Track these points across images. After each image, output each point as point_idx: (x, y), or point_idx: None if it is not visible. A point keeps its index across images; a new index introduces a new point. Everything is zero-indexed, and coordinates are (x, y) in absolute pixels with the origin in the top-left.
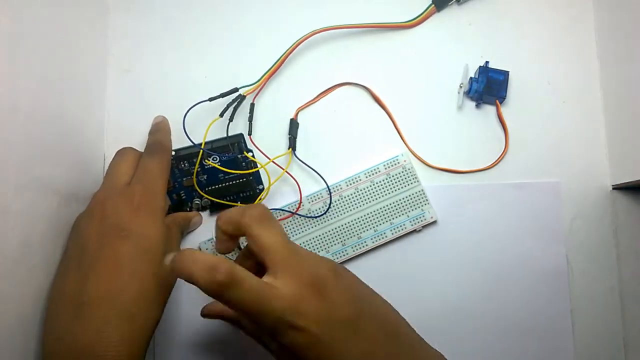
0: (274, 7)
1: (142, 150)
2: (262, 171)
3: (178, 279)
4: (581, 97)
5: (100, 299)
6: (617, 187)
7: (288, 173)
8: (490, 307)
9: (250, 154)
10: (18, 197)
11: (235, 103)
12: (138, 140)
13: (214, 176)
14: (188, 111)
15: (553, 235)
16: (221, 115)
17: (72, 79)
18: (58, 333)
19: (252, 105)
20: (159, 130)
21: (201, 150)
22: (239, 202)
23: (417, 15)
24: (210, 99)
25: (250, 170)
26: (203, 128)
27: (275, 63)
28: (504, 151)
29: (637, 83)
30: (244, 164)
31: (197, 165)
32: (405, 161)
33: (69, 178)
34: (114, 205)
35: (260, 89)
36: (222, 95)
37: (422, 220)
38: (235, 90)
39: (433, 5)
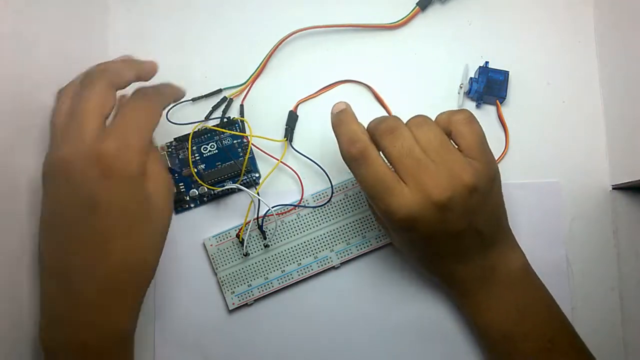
0: (275, 5)
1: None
2: (257, 158)
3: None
4: (581, 97)
5: (80, 272)
6: (617, 187)
7: (283, 163)
8: None
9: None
10: (18, 197)
11: (223, 105)
12: None
13: (211, 164)
14: (169, 111)
15: (553, 235)
16: (206, 118)
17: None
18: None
19: (242, 107)
20: (165, 83)
21: (191, 132)
22: (236, 185)
23: (403, 17)
24: (193, 99)
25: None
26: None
27: (260, 65)
28: (504, 151)
29: (637, 83)
30: (239, 149)
31: (190, 146)
32: None
33: None
34: (82, 172)
35: (248, 91)
36: (206, 96)
37: None
38: (220, 91)
39: (417, 7)
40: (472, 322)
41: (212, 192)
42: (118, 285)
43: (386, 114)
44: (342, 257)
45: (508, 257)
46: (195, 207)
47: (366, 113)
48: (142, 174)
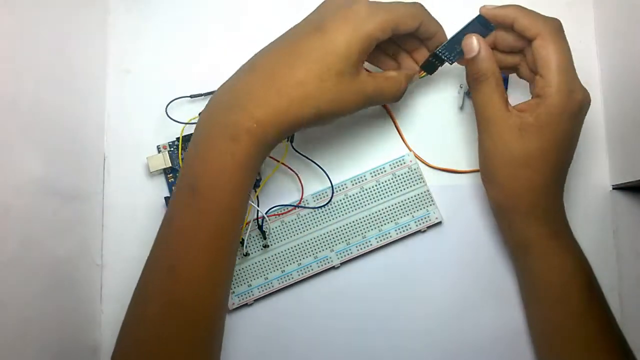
0: (277, 6)
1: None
2: None
3: None
4: None
5: (283, 77)
6: (617, 187)
7: (284, 164)
8: (491, 307)
9: None
10: (18, 197)
11: None
12: (139, 140)
13: None
14: (168, 104)
15: None
16: (200, 114)
17: (72, 78)
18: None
19: None
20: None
21: (181, 135)
22: None
23: None
24: (192, 96)
25: None
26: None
27: None
28: None
29: (637, 83)
30: None
31: (180, 146)
32: (411, 161)
33: (69, 178)
34: (328, 6)
35: None
36: (205, 95)
37: (427, 221)
38: None
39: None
40: (551, 269)
41: None
42: (294, 100)
43: (387, 114)
44: (342, 257)
45: None
46: None
47: (366, 115)
48: (370, 40)
